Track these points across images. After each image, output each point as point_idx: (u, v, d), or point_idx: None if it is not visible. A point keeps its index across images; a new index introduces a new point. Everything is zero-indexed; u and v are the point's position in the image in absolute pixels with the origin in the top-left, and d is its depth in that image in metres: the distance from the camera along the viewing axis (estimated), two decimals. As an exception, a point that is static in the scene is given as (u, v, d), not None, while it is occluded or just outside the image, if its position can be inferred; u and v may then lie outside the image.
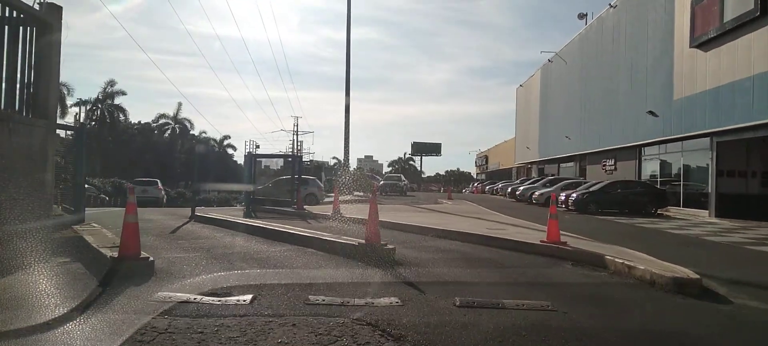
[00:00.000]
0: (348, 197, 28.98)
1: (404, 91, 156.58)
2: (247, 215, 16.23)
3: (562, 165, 42.88)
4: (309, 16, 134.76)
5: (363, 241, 7.70)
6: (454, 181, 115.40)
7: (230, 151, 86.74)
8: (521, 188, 29.69)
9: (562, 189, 26.11)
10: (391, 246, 7.56)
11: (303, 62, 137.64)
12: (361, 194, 34.64)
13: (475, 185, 59.75)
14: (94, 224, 10.24)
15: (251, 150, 20.55)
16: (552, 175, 41.19)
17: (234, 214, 16.78)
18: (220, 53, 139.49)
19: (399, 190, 37.50)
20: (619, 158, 29.82)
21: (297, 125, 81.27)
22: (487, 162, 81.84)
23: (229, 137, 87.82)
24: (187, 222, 13.48)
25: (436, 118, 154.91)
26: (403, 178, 41.43)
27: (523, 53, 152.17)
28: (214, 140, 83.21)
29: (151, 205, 26.44)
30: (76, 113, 58.85)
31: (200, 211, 17.54)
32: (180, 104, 74.12)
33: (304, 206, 18.62)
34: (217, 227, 12.29)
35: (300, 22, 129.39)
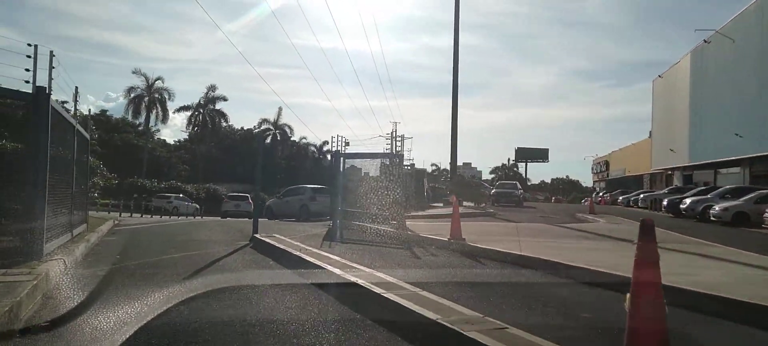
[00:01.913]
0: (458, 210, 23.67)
1: (503, 96, 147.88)
2: (330, 236, 11.57)
3: (721, 171, 34.37)
4: (407, 24, 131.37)
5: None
6: (563, 189, 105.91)
7: (330, 157, 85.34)
8: (688, 200, 22.56)
9: (756, 202, 19.01)
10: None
11: (401, 70, 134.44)
12: (472, 205, 29.27)
13: (600, 194, 51.60)
14: None
15: (340, 148, 15.68)
16: (705, 183, 33.03)
17: (313, 234, 12.17)
18: (322, 64, 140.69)
19: (515, 200, 31.52)
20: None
21: (395, 130, 77.48)
22: (607, 168, 72.43)
23: (328, 143, 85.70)
24: (234, 252, 8.98)
25: (538, 123, 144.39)
26: (518, 186, 35.32)
27: (632, 53, 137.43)
28: (314, 146, 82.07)
29: (245, 217, 25.17)
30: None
31: (273, 228, 13.17)
32: (280, 109, 72.93)
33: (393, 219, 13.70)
34: (267, 270, 7.59)
35: (398, 30, 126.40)
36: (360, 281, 5.22)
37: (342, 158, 16.34)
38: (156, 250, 9.14)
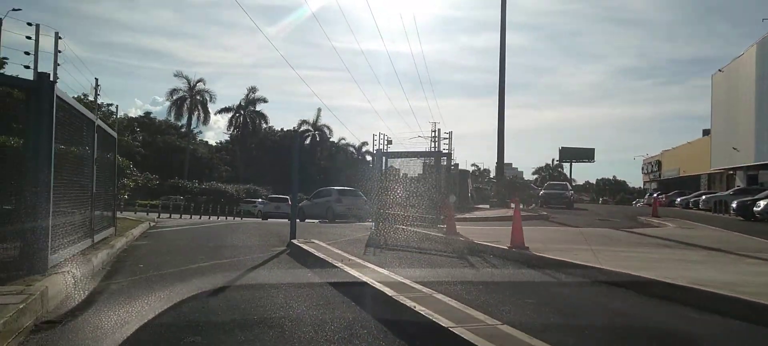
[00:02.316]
0: (508, 212, 22.24)
1: (546, 96, 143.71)
2: (373, 242, 10.53)
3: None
4: (444, 24, 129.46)
5: None
6: (609, 190, 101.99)
7: (369, 158, 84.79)
8: (764, 202, 20.41)
9: None
10: None
11: (439, 70, 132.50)
12: (521, 206, 27.69)
13: (654, 195, 48.83)
14: None
15: (381, 146, 14.61)
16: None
17: (355, 239, 11.15)
18: (359, 66, 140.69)
19: (565, 201, 29.77)
20: None
21: (438, 130, 75.80)
22: (659, 168, 68.91)
23: (367, 144, 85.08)
24: (269, 259, 8.01)
25: (582, 122, 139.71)
26: (569, 186, 33.46)
27: (682, 50, 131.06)
28: (353, 146, 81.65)
29: (284, 218, 25.31)
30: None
31: (311, 232, 12.23)
32: (319, 111, 72.85)
33: (441, 223, 12.52)
34: (307, 290, 6.57)
35: (436, 31, 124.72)
36: (421, 311, 4.11)
37: (384, 157, 15.27)
38: (184, 257, 8.29)
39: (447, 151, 13.36)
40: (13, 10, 30.38)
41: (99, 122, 7.89)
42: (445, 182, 13.49)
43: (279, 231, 13.93)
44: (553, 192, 31.08)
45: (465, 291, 5.44)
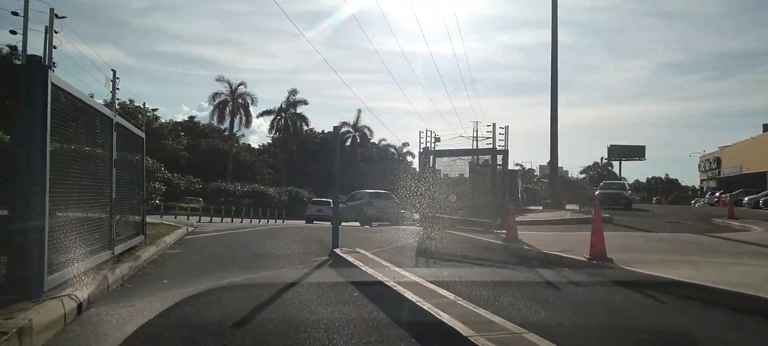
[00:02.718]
0: (564, 215, 20.72)
1: (589, 93, 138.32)
2: (424, 251, 9.38)
3: None
4: (483, 23, 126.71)
5: None
6: (661, 189, 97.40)
7: (409, 159, 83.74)
8: None
9: None
10: None
11: (480, 70, 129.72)
12: (576, 207, 25.95)
13: (719, 195, 45.68)
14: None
15: (429, 145, 13.40)
16: None
17: (402, 247, 10.03)
18: (398, 67, 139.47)
19: (623, 202, 27.75)
20: None
21: (476, 130, 74.20)
22: (718, 165, 64.87)
23: (408, 145, 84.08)
24: (309, 273, 6.95)
25: (627, 120, 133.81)
26: (627, 186, 31.35)
27: (731, 43, 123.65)
28: (394, 147, 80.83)
29: (327, 221, 23.17)
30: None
31: (355, 239, 11.21)
32: (359, 112, 72.26)
33: (498, 227, 11.25)
34: (355, 328, 5.47)
35: (475, 30, 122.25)
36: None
37: (431, 156, 14.09)
38: (216, 270, 7.35)
39: (503, 148, 12.06)
40: (58, 17, 30.68)
41: (118, 119, 7.04)
42: (503, 182, 12.20)
43: (321, 237, 12.95)
44: (610, 192, 29.04)
45: (555, 319, 4.21)
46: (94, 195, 6.13)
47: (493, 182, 12.19)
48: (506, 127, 12.09)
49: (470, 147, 16.23)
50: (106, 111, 6.58)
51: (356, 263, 7.14)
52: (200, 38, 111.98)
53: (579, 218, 17.92)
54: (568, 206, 24.82)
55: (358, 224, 23.08)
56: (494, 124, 12.04)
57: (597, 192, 30.28)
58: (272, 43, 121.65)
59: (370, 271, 6.36)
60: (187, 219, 21.72)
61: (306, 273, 6.97)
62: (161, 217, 21.01)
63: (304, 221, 29.06)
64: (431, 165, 14.01)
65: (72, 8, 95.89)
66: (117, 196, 7.21)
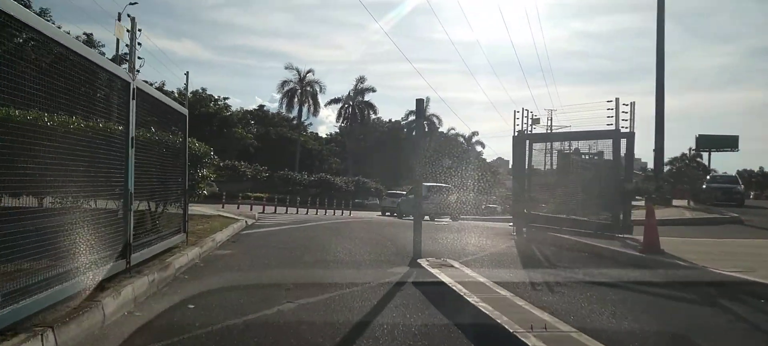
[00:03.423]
0: (683, 213, 17.63)
1: (671, 81, 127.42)
2: (529, 261, 7.17)
3: None
4: (554, 10, 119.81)
5: None
6: (756, 183, 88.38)
7: (479, 148, 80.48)
8: None
9: None
10: None
11: (552, 59, 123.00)
12: (685, 203, 22.55)
13: None
14: None
15: (525, 128, 10.99)
16: None
17: (497, 253, 7.85)
18: (464, 56, 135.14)
19: (736, 198, 23.94)
20: None
21: (551, 119, 69.95)
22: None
23: (477, 134, 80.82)
24: (385, 300, 4.90)
25: (714, 108, 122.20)
26: (739, 180, 27.27)
27: None
28: (463, 137, 77.95)
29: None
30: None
31: (434, 242, 9.17)
32: (427, 99, 69.73)
33: (623, 230, 8.83)
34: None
35: (547, 17, 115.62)
36: None
37: (528, 142, 11.71)
38: (265, 286, 5.52)
39: (627, 130, 9.49)
40: (131, 3, 30.50)
41: (140, 84, 5.29)
42: (627, 173, 9.65)
43: (394, 237, 10.96)
44: (720, 186, 25.19)
45: None
46: (93, 184, 4.39)
47: (613, 172, 9.67)
48: (632, 104, 9.51)
49: (567, 130, 13.60)
50: (118, 69, 4.82)
51: (454, 286, 5.02)
52: (272, 31, 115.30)
53: (702, 218, 14.94)
54: (675, 202, 21.51)
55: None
56: (617, 99, 9.49)
57: (704, 186, 26.45)
58: (340, 34, 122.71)
59: (485, 307, 4.21)
60: (250, 209, 20.50)
61: (384, 300, 4.94)
62: (223, 207, 19.87)
63: (379, 213, 27.40)
64: (527, 153, 11.64)
65: (154, 4, 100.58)
66: (138, 185, 5.49)
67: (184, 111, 7.57)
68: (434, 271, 5.74)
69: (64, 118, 3.85)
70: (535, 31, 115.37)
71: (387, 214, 26.40)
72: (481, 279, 5.34)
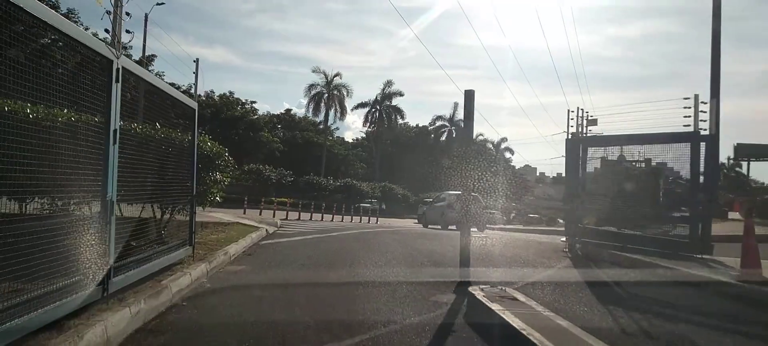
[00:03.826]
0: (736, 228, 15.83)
1: (703, 87, 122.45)
2: (605, 295, 5.87)
3: None
4: (584, 15, 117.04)
5: None
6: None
7: (508, 155, 78.60)
8: None
9: None
10: None
11: (584, 64, 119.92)
12: (737, 215, 20.70)
13: None
14: None
15: (579, 130, 9.59)
16: None
17: (563, 284, 6.57)
18: (492, 63, 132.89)
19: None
20: None
21: (585, 118, 67.75)
22: None
23: (506, 140, 78.78)
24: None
25: (753, 116, 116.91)
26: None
27: None
28: (491, 143, 76.20)
29: (438, 224, 22.97)
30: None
31: (476, 255, 7.94)
32: (456, 105, 68.30)
33: (704, 250, 7.47)
34: None
35: (580, 22, 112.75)
36: None
37: (581, 146, 10.37)
38: (277, 325, 4.35)
39: (707, 132, 8.08)
40: (158, 3, 29.99)
41: (127, 62, 4.21)
42: (711, 182, 8.25)
43: (430, 252, 9.74)
44: (779, 199, 23.20)
45: None
46: (63, 188, 3.30)
47: (694, 181, 8.26)
48: (714, 102, 8.05)
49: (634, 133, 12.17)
50: (95, 42, 3.73)
51: (535, 337, 3.73)
52: (301, 37, 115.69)
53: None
54: (730, 215, 19.74)
55: (438, 226, 22.05)
56: (696, 96, 8.19)
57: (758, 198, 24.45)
58: (368, 40, 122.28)
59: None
60: (273, 216, 19.49)
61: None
62: (244, 212, 18.91)
63: (416, 221, 26.12)
64: (580, 159, 10.31)
65: (186, 11, 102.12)
66: (127, 190, 4.42)
67: (193, 104, 6.50)
68: (494, 306, 4.50)
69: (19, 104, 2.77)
70: (570, 36, 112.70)
71: (433, 226, 25.22)
72: (561, 322, 4.07)
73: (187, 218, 6.52)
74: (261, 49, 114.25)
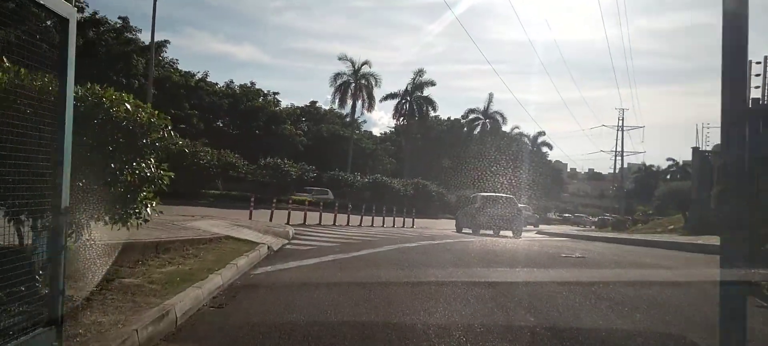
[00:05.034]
0: None
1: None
2: None
3: None
4: (615, 8, 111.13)
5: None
6: None
7: (545, 149, 73.83)
8: None
9: None
10: None
11: (615, 57, 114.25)
12: None
13: None
14: None
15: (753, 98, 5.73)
16: None
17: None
18: (531, 57, 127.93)
19: None
20: None
21: (622, 118, 62.93)
22: None
23: (544, 134, 74.01)
24: None
25: None
26: None
27: None
28: (527, 137, 71.60)
29: (491, 229, 21.25)
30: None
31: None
32: (491, 96, 64.04)
33: None
34: None
35: (608, 16, 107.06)
36: None
37: (754, 120, 6.33)
38: None
39: None
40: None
41: None
42: None
43: (531, 298, 5.98)
44: None
45: None
46: None
47: None
48: None
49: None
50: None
51: None
52: (329, 34, 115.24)
53: None
54: None
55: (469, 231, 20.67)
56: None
57: None
58: (395, 36, 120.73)
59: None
60: (287, 221, 15.76)
61: None
62: (250, 217, 15.37)
63: (456, 229, 22.11)
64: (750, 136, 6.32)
65: (221, 10, 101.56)
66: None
67: (64, 10, 2.87)
68: None
69: None
70: (599, 29, 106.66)
71: (465, 230, 21.34)
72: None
73: (56, 256, 2.91)
74: (288, 46, 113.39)
